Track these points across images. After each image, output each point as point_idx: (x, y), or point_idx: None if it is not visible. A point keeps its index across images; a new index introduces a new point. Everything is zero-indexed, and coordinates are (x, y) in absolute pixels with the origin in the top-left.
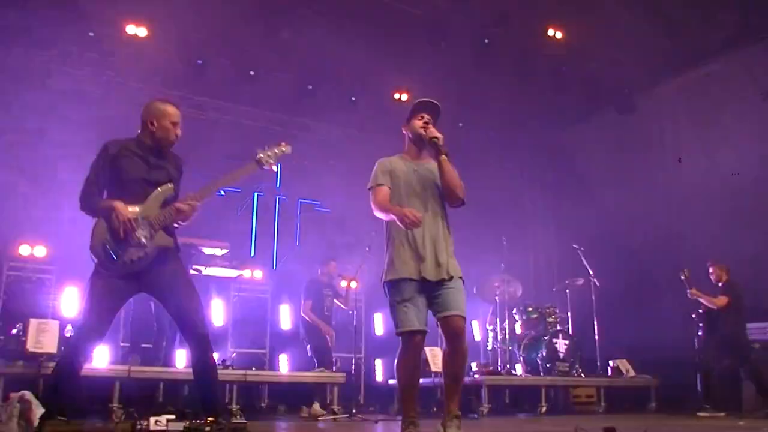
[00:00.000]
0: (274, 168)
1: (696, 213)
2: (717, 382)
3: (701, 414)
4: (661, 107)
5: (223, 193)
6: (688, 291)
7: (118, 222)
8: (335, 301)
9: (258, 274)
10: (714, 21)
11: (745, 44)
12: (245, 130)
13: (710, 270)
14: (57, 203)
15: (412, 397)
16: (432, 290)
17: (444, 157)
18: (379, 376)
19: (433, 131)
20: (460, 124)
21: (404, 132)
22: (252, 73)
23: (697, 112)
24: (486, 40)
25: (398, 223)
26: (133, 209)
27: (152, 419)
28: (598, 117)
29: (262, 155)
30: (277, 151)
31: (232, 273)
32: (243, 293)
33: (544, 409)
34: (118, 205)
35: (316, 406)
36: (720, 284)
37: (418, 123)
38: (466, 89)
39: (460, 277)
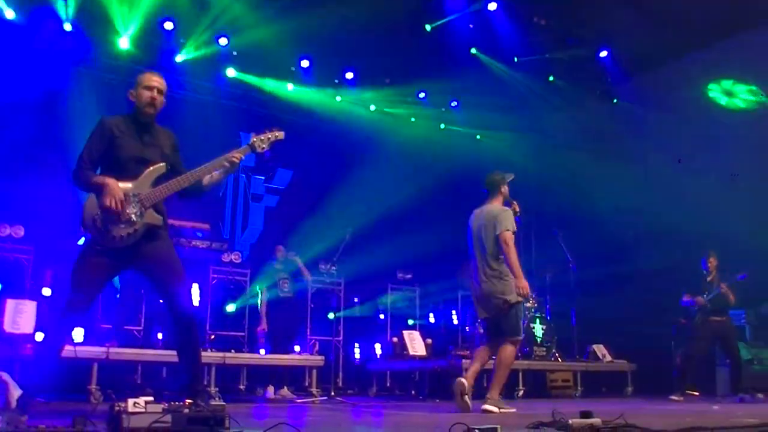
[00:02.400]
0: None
1: (679, 202)
2: (694, 367)
3: (674, 397)
4: (644, 97)
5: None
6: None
7: (109, 198)
8: (305, 275)
9: (236, 256)
10: None
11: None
12: None
13: (710, 259)
14: (36, 183)
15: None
16: None
17: None
18: (358, 359)
19: (517, 207)
20: (443, 109)
21: (503, 191)
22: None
23: (677, 104)
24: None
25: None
26: (125, 186)
27: (130, 401)
28: (583, 104)
29: (255, 140)
30: (270, 136)
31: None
32: (221, 275)
33: (521, 392)
34: (111, 181)
35: (285, 390)
36: (715, 273)
37: (507, 192)
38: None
39: None
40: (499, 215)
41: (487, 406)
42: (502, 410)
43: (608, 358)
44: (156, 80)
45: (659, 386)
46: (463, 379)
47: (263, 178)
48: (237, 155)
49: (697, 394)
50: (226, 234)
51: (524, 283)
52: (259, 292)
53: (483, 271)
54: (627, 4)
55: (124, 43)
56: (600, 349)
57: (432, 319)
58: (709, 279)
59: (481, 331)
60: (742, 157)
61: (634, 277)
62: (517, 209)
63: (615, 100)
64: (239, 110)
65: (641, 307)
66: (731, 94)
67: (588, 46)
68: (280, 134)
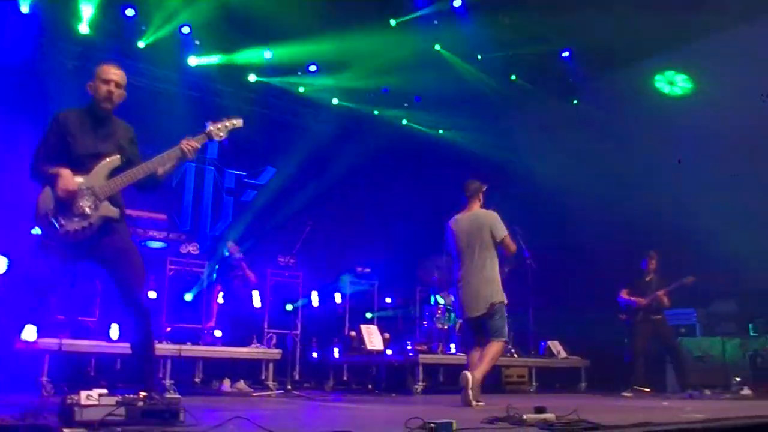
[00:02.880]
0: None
1: (638, 201)
2: (641, 364)
3: (625, 394)
4: (604, 98)
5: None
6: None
7: (62, 190)
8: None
9: (194, 248)
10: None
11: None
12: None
13: (651, 259)
14: None
15: None
16: None
17: None
18: (315, 353)
19: None
20: (405, 105)
21: (482, 198)
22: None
23: (637, 105)
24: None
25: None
26: (78, 179)
27: (83, 393)
28: (544, 103)
29: (212, 128)
30: (228, 124)
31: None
32: (178, 266)
33: None
34: (64, 172)
35: (242, 383)
36: (654, 273)
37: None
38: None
39: None
40: (494, 222)
41: (466, 372)
42: (473, 398)
43: (563, 354)
44: (114, 73)
45: (612, 382)
46: (467, 372)
47: (245, 173)
48: (193, 144)
49: (647, 390)
50: (188, 226)
51: None
52: (212, 283)
53: (471, 273)
54: (591, 5)
55: (83, 28)
56: (555, 346)
57: (389, 304)
58: (647, 279)
59: (459, 333)
60: (702, 156)
61: (591, 274)
62: None
63: (575, 101)
64: (206, 101)
65: (597, 304)
66: (672, 83)
67: (551, 45)
68: (238, 122)
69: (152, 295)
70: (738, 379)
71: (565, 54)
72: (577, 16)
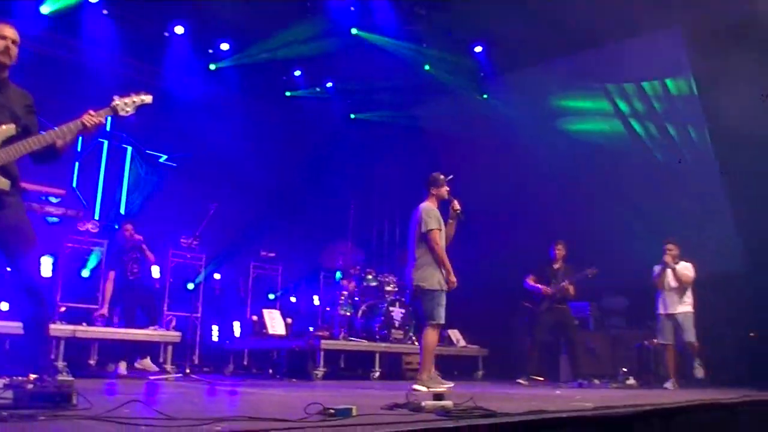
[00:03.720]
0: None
1: (539, 195)
2: (541, 354)
3: (521, 381)
4: (512, 95)
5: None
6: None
7: None
8: (149, 257)
9: (92, 225)
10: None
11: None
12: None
13: (558, 247)
14: None
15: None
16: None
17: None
18: (215, 337)
19: (458, 205)
20: (318, 89)
21: (434, 192)
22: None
23: (542, 104)
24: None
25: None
26: None
27: None
28: (454, 95)
29: (118, 102)
30: (136, 100)
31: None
32: (75, 244)
33: (377, 374)
34: None
35: (147, 361)
36: (562, 262)
37: (446, 192)
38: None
39: None
40: (424, 215)
41: (415, 386)
42: (431, 389)
43: (462, 342)
44: (8, 30)
45: (507, 370)
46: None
47: (166, 156)
48: (96, 118)
49: (541, 379)
50: (91, 203)
51: (454, 278)
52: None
53: (411, 261)
54: (506, 2)
55: None
56: (455, 334)
57: (293, 299)
58: (556, 267)
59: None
60: (600, 158)
61: (492, 265)
62: (457, 207)
63: (485, 96)
64: (115, 74)
65: (496, 294)
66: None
67: (464, 40)
68: (148, 98)
69: (47, 272)
70: (625, 369)
71: (478, 49)
72: (490, 12)
